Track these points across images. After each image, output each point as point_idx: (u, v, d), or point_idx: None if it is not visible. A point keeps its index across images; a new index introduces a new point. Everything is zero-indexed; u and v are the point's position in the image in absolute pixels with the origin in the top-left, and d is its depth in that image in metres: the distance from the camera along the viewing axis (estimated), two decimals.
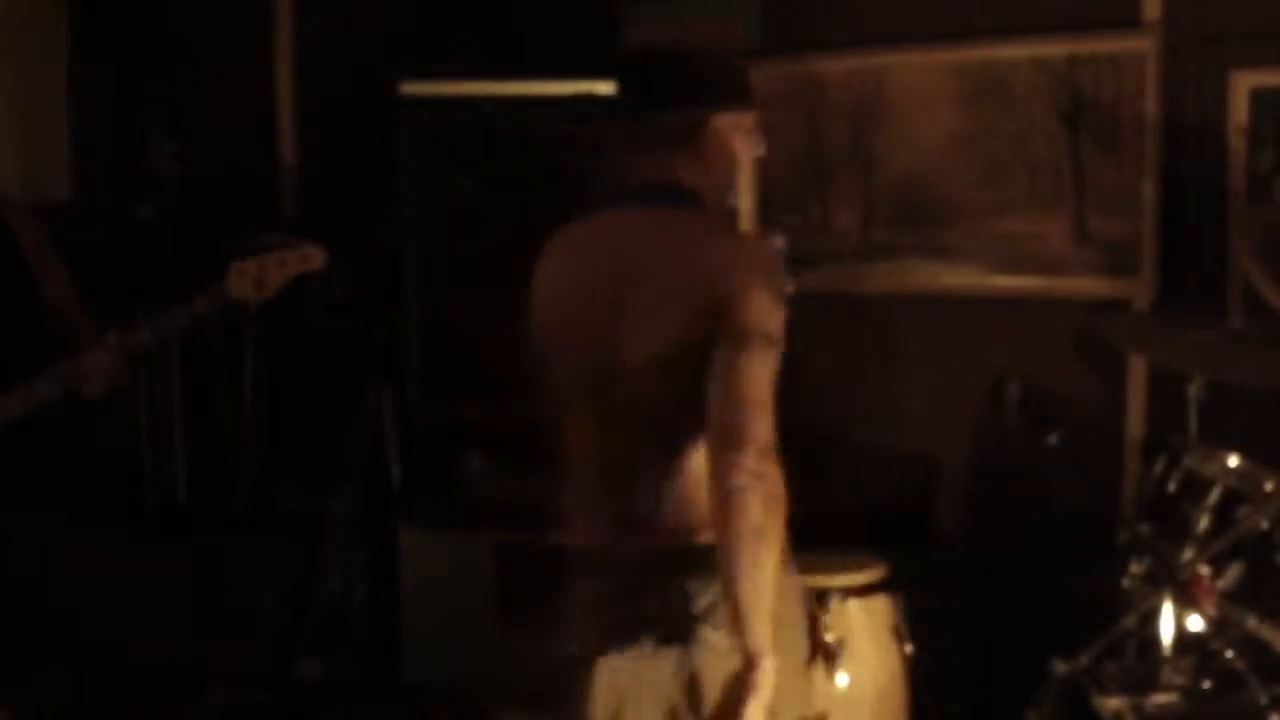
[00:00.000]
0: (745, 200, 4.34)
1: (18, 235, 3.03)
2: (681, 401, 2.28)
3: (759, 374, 2.24)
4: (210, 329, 3.08)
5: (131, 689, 4.02)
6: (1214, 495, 3.13)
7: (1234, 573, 3.08)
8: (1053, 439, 3.05)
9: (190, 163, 4.86)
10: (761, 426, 2.20)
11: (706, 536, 2.26)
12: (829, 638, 3.39)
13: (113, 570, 4.20)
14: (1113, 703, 3.07)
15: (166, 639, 4.24)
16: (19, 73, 4.69)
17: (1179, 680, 3.13)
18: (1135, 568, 3.21)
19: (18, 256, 3.02)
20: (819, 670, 2.64)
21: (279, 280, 3.00)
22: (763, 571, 2.17)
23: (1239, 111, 3.65)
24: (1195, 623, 3.11)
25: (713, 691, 2.28)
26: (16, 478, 3.00)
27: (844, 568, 3.51)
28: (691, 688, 2.31)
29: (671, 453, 2.34)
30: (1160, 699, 3.09)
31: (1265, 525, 3.05)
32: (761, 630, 2.17)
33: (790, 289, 2.45)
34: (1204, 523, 3.13)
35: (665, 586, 2.34)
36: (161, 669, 4.19)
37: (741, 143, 2.52)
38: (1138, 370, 3.85)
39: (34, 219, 3.10)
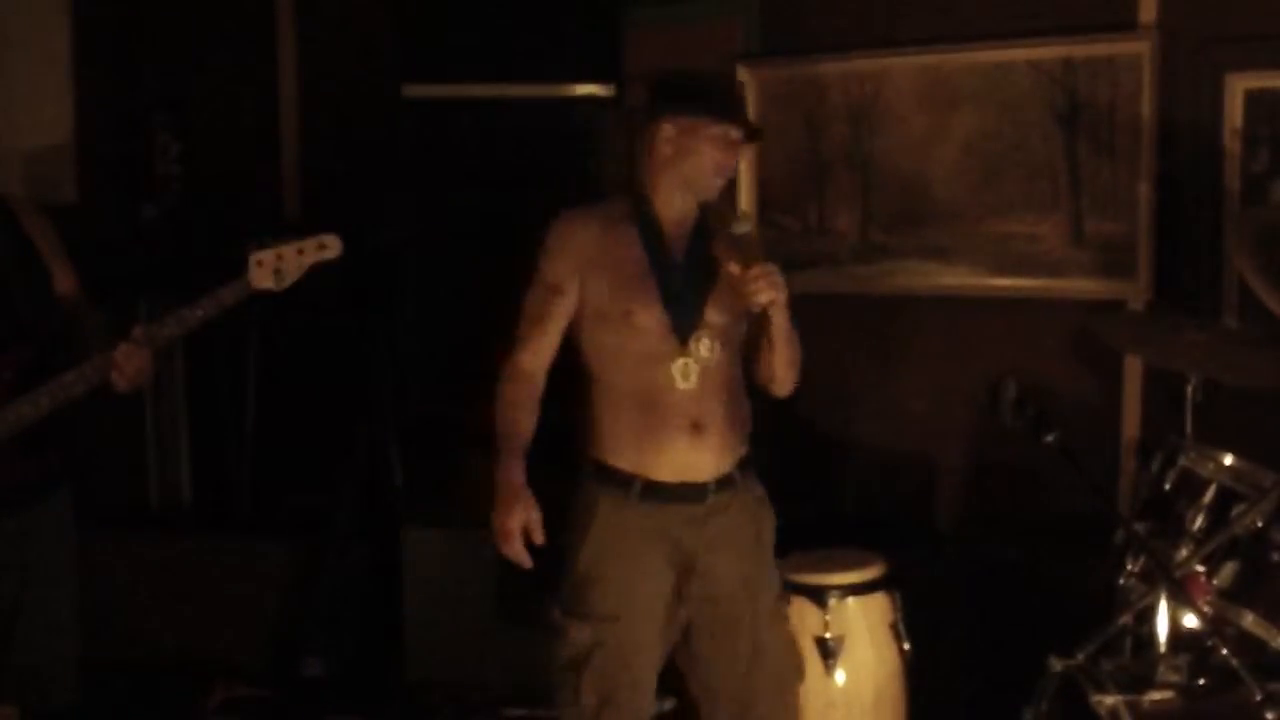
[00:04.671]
0: (744, 201, 4.36)
1: (31, 233, 3.04)
2: None
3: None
4: (213, 329, 3.07)
5: (135, 686, 4.04)
6: (1209, 494, 3.14)
7: (1229, 571, 3.10)
8: (1049, 438, 3.06)
9: (193, 164, 4.88)
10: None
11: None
12: (828, 635, 3.42)
13: (116, 569, 4.22)
14: (1109, 700, 3.07)
15: (170, 637, 4.26)
16: (24, 74, 4.70)
17: (1175, 678, 3.14)
18: (1131, 566, 3.22)
19: (34, 253, 3.03)
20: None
21: (298, 269, 2.98)
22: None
23: (1234, 113, 3.67)
24: (1191, 620, 3.12)
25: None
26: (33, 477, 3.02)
27: (842, 566, 3.53)
28: None
29: None
30: (1156, 696, 3.10)
31: (1260, 523, 3.06)
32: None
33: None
34: (1199, 521, 3.14)
35: None
36: (165, 666, 4.21)
37: (695, 145, 2.90)
38: (1134, 370, 3.87)
39: (45, 217, 3.10)
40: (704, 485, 2.96)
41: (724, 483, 2.99)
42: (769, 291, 2.80)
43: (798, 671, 3.19)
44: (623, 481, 2.95)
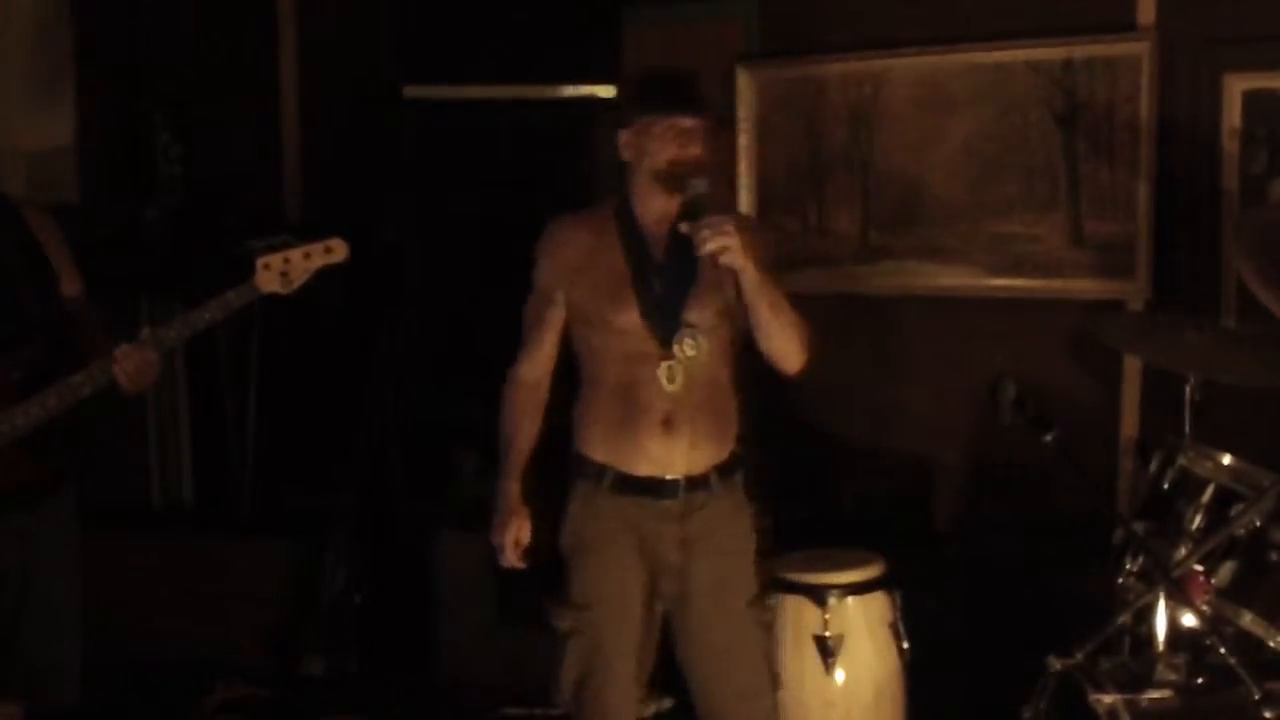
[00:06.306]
0: (744, 201, 4.37)
1: (38, 234, 3.04)
2: None
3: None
4: (215, 329, 3.07)
5: (135, 686, 4.05)
6: (1208, 493, 3.14)
7: (1227, 570, 3.10)
8: (1048, 438, 3.07)
9: (195, 165, 4.88)
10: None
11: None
12: (827, 634, 3.42)
13: (116, 569, 4.22)
14: (1107, 699, 3.07)
15: (170, 637, 4.27)
16: (27, 76, 4.71)
17: (1173, 677, 3.15)
18: (1130, 565, 3.23)
19: (41, 254, 3.03)
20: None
21: (304, 273, 3.00)
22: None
23: (1232, 114, 3.68)
24: (1189, 620, 3.13)
25: None
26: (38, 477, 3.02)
27: (842, 565, 3.54)
28: None
29: None
30: (1154, 695, 3.10)
31: (1258, 523, 3.07)
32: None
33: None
34: (1198, 520, 3.14)
35: None
36: (165, 666, 4.21)
37: (648, 143, 2.94)
38: (1132, 370, 3.88)
39: (52, 219, 3.11)
40: (675, 482, 2.98)
41: (697, 483, 3.00)
42: (716, 239, 2.73)
43: (772, 680, 3.16)
44: (596, 472, 3.01)
